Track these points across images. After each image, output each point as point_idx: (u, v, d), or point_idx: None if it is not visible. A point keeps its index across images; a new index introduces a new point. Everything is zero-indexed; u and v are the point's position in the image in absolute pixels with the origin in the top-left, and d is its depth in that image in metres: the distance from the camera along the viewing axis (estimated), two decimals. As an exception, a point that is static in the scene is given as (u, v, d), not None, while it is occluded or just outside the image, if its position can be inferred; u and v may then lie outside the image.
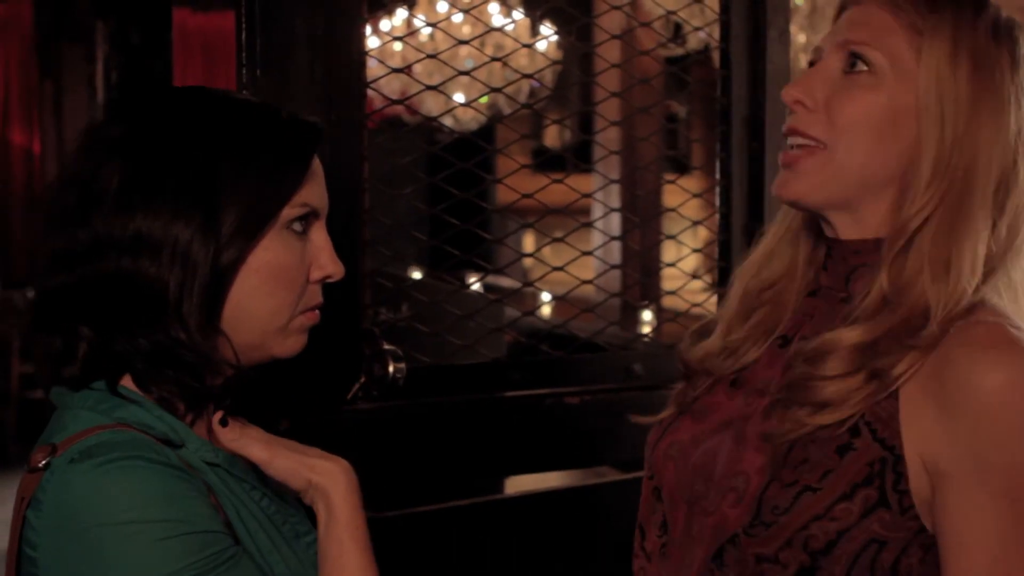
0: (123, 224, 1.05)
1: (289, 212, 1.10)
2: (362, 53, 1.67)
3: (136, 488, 0.98)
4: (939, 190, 1.08)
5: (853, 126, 1.10)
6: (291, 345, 1.15)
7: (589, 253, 2.08)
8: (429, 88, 1.97)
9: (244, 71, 1.58)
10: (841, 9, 1.17)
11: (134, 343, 1.06)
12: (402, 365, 1.68)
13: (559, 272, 2.06)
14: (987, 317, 1.06)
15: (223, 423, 1.11)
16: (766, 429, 1.10)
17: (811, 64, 1.16)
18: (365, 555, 1.13)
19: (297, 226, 1.11)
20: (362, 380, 1.68)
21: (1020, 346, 1.03)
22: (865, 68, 1.10)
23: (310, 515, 1.19)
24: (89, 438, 1.02)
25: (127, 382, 1.08)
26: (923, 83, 1.08)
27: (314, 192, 1.13)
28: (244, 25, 1.57)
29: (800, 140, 1.12)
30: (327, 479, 1.13)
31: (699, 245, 2.41)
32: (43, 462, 1.02)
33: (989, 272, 1.09)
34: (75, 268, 1.07)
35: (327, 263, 1.14)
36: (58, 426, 1.06)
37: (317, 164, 1.15)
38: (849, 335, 1.07)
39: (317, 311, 1.16)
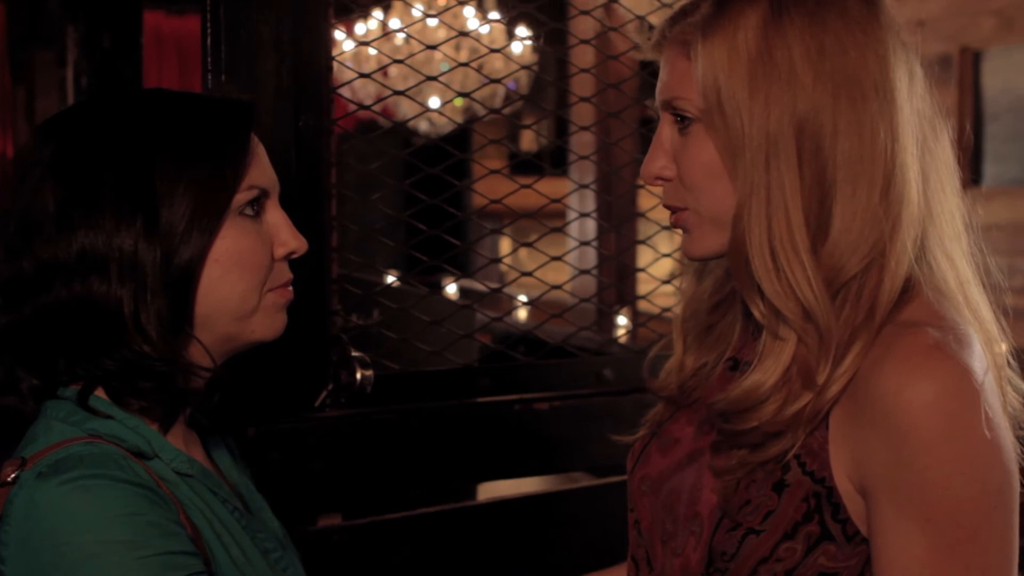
0: (66, 245, 1.04)
1: (240, 198, 1.09)
2: (329, 58, 1.66)
3: (98, 508, 0.97)
4: (747, 191, 1.03)
5: (702, 182, 1.08)
6: (270, 326, 1.14)
7: (559, 258, 2.08)
8: (399, 93, 1.96)
9: (210, 76, 1.57)
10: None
11: (99, 364, 1.05)
12: (370, 372, 1.67)
13: (534, 276, 2.05)
14: (917, 316, 1.03)
15: None
16: (716, 465, 1.08)
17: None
18: None
19: (249, 210, 1.11)
20: (330, 387, 1.67)
21: (942, 359, 0.98)
22: (690, 120, 1.08)
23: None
24: (58, 451, 1.01)
25: (101, 391, 1.06)
26: (705, 98, 1.05)
27: (260, 172, 1.12)
28: (210, 30, 1.56)
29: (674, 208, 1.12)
30: None
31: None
32: (11, 476, 1.00)
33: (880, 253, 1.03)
34: (23, 302, 1.05)
35: (288, 239, 1.14)
36: (30, 438, 1.05)
37: (257, 143, 1.13)
38: (759, 379, 1.05)
39: (289, 288, 1.15)
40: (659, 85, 1.11)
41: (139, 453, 1.04)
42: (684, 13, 1.09)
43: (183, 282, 1.06)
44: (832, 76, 1.02)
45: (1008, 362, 1.10)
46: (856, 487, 1.02)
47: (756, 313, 1.06)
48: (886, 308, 1.03)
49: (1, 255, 1.07)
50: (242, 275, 1.10)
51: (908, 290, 1.05)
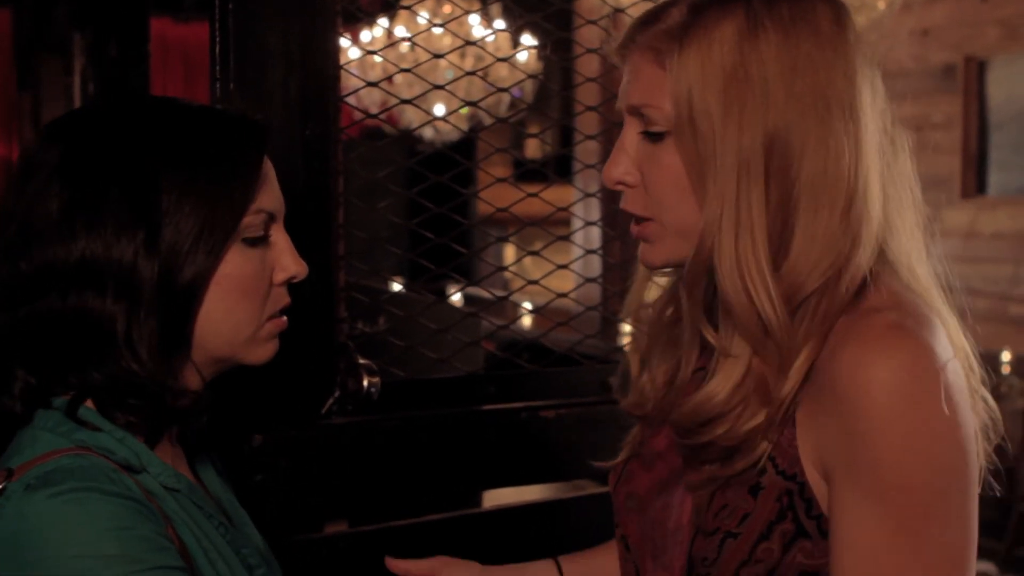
0: (66, 251, 1.02)
1: (247, 221, 1.08)
2: (336, 67, 1.66)
3: (89, 522, 0.96)
4: (717, 207, 1.03)
5: (667, 194, 1.07)
6: (261, 353, 1.13)
7: (564, 266, 2.08)
8: (406, 102, 1.97)
9: (219, 85, 1.57)
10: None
11: (87, 376, 1.03)
12: (376, 379, 1.67)
13: (539, 284, 2.06)
14: (876, 303, 1.02)
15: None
16: (688, 480, 1.08)
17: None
18: None
19: (255, 233, 1.09)
20: (336, 394, 1.67)
21: (899, 336, 0.98)
22: (658, 129, 1.06)
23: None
24: (47, 463, 0.99)
25: (91, 402, 1.05)
26: (677, 111, 1.03)
27: (270, 196, 1.10)
28: (218, 39, 1.57)
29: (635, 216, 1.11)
30: None
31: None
32: None
33: (839, 262, 1.02)
34: (18, 306, 1.04)
35: (290, 264, 1.12)
36: (16, 448, 1.04)
37: (268, 165, 1.12)
38: (715, 389, 1.05)
39: (285, 318, 1.14)
40: (624, 88, 1.10)
41: (128, 466, 1.03)
42: (655, 18, 1.07)
43: (184, 301, 1.04)
44: (802, 95, 1.02)
45: (972, 368, 1.08)
46: (821, 474, 1.02)
47: (707, 335, 1.06)
48: (836, 315, 1.03)
49: (1, 257, 1.05)
50: (241, 300, 1.08)
51: (867, 284, 1.04)
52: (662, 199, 1.07)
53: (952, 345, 1.03)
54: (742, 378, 1.04)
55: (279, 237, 1.13)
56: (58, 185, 1.04)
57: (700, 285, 1.06)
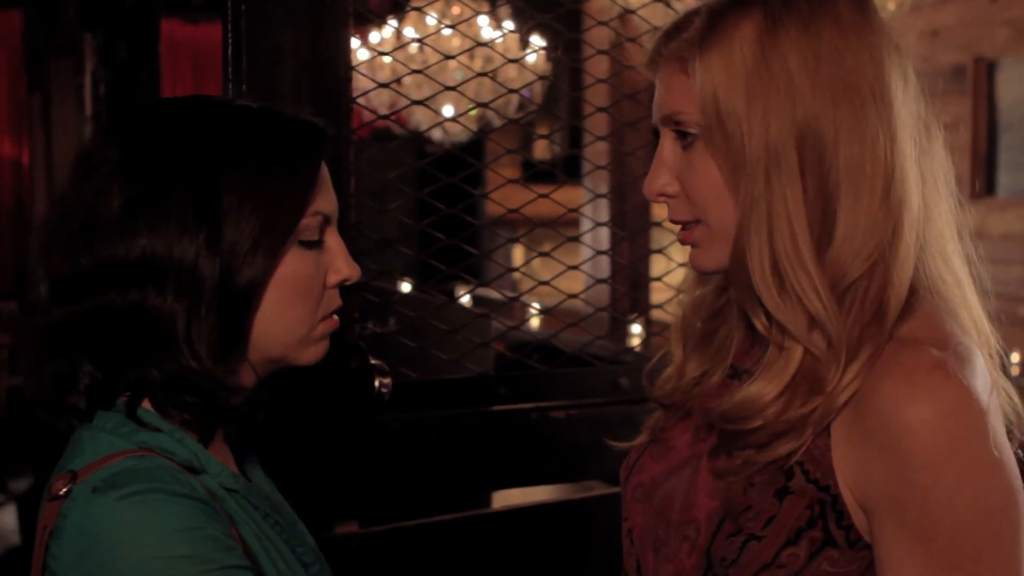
0: (127, 248, 1.02)
1: (304, 223, 1.08)
2: (348, 68, 1.67)
3: (158, 523, 0.96)
4: (748, 205, 1.03)
5: (709, 199, 1.07)
6: (313, 353, 1.14)
7: (576, 267, 2.09)
8: (417, 103, 1.97)
9: (230, 86, 1.58)
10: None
11: (146, 373, 1.04)
12: (388, 380, 1.67)
13: (550, 285, 2.06)
14: (918, 332, 1.02)
15: None
16: (717, 467, 1.07)
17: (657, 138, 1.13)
18: None
19: (311, 236, 1.10)
20: (348, 395, 1.68)
21: (943, 378, 0.98)
22: (692, 136, 1.07)
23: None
24: (112, 465, 1.00)
25: (146, 402, 1.05)
26: (704, 114, 1.04)
27: (326, 199, 1.11)
28: (230, 40, 1.57)
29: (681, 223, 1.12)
30: None
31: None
32: (64, 490, 1.00)
33: (872, 262, 1.03)
34: (80, 299, 1.04)
35: (343, 267, 1.13)
36: (77, 450, 1.04)
37: (324, 168, 1.12)
38: (761, 389, 1.04)
39: (336, 317, 1.15)
40: (657, 102, 1.11)
41: (189, 467, 1.04)
42: (678, 29, 1.09)
43: (243, 301, 1.05)
44: (830, 83, 1.02)
45: (1003, 368, 1.09)
46: (859, 502, 1.02)
47: (759, 326, 1.06)
48: (896, 310, 1.03)
49: (61, 251, 1.06)
50: (296, 302, 1.09)
51: (911, 298, 1.05)
52: (704, 204, 1.08)
53: (987, 368, 1.03)
54: (792, 377, 1.04)
55: (333, 240, 1.13)
56: (119, 182, 1.04)
57: (745, 279, 1.06)
